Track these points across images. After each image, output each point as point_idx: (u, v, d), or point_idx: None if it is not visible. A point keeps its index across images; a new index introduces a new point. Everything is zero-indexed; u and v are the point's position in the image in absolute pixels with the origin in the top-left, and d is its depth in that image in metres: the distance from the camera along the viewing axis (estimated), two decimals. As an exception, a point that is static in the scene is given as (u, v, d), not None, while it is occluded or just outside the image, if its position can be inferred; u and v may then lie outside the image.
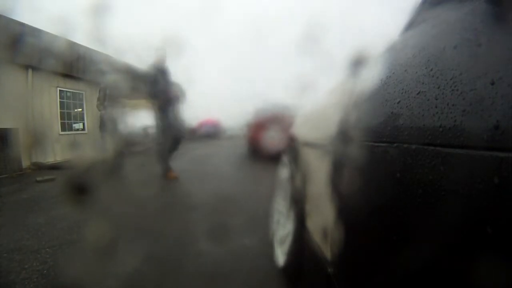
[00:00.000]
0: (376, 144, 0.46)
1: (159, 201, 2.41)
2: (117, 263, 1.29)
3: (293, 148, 1.14)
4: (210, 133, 11.59)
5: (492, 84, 0.27)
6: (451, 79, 0.33)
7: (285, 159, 1.30)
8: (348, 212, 0.55)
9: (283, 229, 1.15)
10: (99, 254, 1.43)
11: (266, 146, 4.39)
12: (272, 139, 4.18)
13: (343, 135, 0.60)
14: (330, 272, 0.59)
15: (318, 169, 0.73)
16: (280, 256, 1.09)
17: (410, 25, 0.55)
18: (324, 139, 0.71)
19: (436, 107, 0.34)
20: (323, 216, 0.66)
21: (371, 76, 0.56)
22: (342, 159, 0.59)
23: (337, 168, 0.61)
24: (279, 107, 4.84)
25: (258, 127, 4.82)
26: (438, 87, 0.34)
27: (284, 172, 1.29)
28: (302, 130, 1.07)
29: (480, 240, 0.27)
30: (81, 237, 1.70)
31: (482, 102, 0.28)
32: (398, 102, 0.42)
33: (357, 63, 0.69)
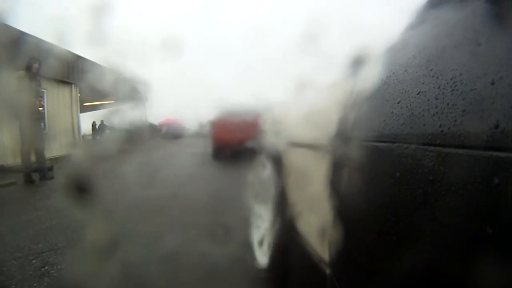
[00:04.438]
0: (376, 144, 0.46)
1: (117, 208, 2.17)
2: (86, 273, 1.17)
3: (275, 149, 1.09)
4: (172, 133, 11.35)
5: (492, 84, 0.27)
6: (451, 79, 0.33)
7: (264, 160, 1.22)
8: (348, 213, 0.55)
9: (264, 233, 1.12)
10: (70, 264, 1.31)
11: (231, 145, 4.30)
12: (238, 138, 4.10)
13: (342, 135, 0.60)
14: (329, 273, 0.59)
15: (313, 170, 0.72)
16: (262, 259, 1.07)
17: (411, 25, 0.55)
18: (322, 139, 0.70)
19: (436, 107, 0.34)
20: (319, 217, 0.65)
21: (371, 76, 0.56)
22: (341, 159, 0.59)
23: (337, 168, 0.61)
24: (245, 107, 4.68)
25: (222, 126, 4.69)
26: (438, 87, 0.34)
27: (263, 173, 1.21)
28: (291, 130, 1.02)
29: (480, 240, 0.27)
30: (48, 246, 1.55)
31: (482, 102, 0.28)
32: (398, 102, 0.42)
33: (357, 62, 0.69)
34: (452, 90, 0.32)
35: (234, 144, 4.27)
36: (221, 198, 2.40)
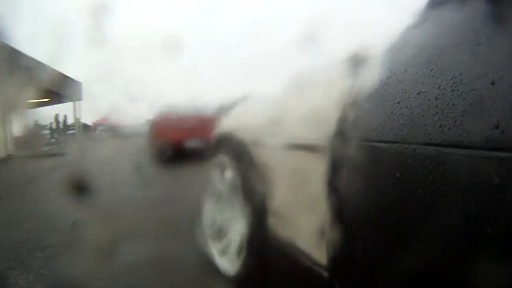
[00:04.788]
0: (376, 144, 0.46)
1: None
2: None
3: (243, 150, 0.99)
4: (108, 132, 10.98)
5: (492, 84, 0.27)
6: (451, 79, 0.33)
7: (224, 161, 1.11)
8: (347, 214, 0.55)
9: (231, 240, 1.03)
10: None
11: (175, 145, 4.00)
12: (181, 137, 3.87)
13: (342, 135, 0.60)
14: (327, 276, 0.59)
15: (306, 173, 0.69)
16: (230, 266, 0.99)
17: (411, 25, 0.55)
18: (318, 140, 0.68)
19: (436, 107, 0.34)
20: (314, 221, 0.64)
21: (371, 76, 0.56)
22: (340, 159, 0.59)
23: (336, 169, 0.60)
24: (189, 107, 4.43)
25: (165, 126, 4.37)
26: (438, 87, 0.34)
27: (226, 177, 1.10)
28: (271, 130, 0.89)
29: (480, 240, 0.27)
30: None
31: (482, 102, 0.28)
32: (398, 102, 0.42)
33: (357, 62, 0.69)
34: (452, 90, 0.32)
35: (176, 144, 4.00)
36: (170, 202, 2.00)
